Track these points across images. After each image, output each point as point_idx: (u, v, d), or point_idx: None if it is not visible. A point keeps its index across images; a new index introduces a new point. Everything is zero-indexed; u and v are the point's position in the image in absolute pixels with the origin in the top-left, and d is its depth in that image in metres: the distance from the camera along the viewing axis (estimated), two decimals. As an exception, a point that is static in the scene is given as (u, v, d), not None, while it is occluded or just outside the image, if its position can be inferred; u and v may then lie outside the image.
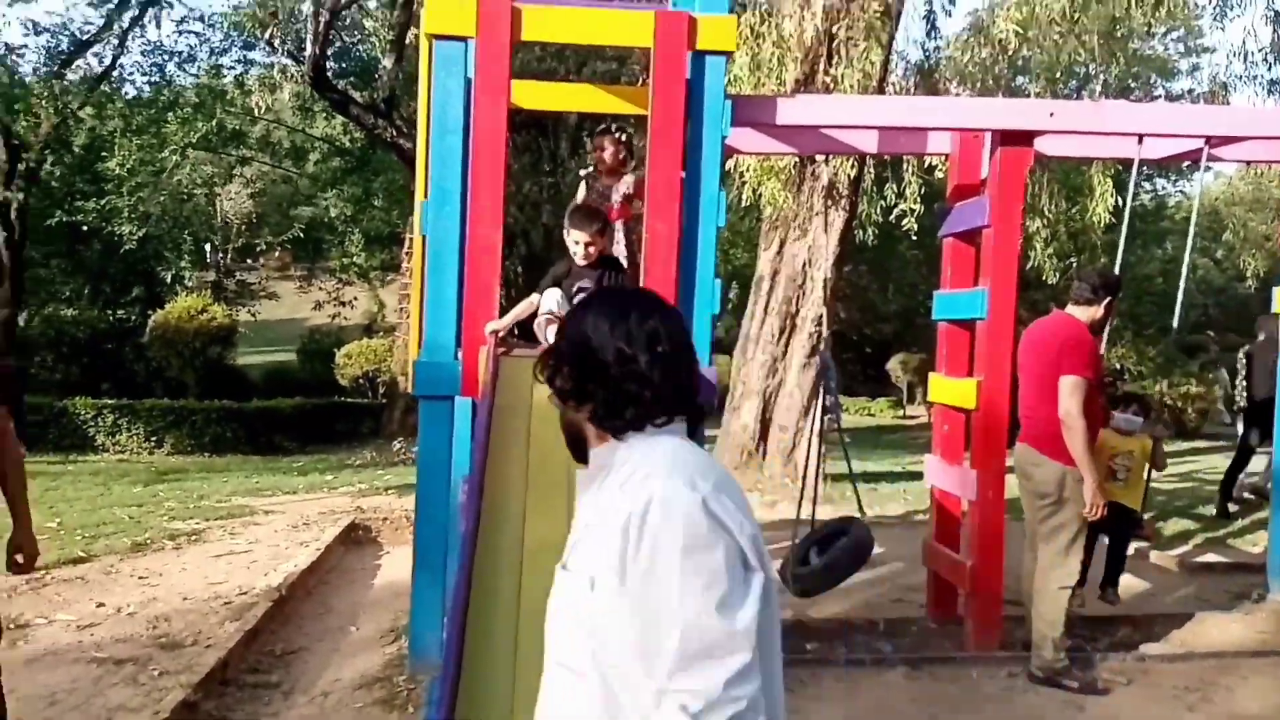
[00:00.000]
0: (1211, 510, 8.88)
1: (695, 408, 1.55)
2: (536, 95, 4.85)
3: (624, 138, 4.80)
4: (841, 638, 5.11)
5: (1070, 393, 4.37)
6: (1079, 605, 4.81)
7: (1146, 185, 25.92)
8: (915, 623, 5.35)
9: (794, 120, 4.67)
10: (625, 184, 4.71)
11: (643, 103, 4.54)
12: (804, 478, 5.11)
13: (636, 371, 1.48)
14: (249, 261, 27.33)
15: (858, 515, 4.86)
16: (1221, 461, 13.02)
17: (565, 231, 3.99)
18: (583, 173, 4.72)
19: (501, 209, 3.97)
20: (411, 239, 15.44)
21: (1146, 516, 5.46)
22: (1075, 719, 4.15)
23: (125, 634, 4.79)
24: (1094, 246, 14.00)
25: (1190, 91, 25.50)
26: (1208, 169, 5.16)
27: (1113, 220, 10.63)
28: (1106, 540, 5.11)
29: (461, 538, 2.86)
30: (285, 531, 6.84)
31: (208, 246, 24.17)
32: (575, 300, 3.98)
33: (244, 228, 23.33)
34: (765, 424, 9.85)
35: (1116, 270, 5.10)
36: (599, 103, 4.81)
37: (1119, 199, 10.31)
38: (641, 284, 4.13)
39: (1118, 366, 18.18)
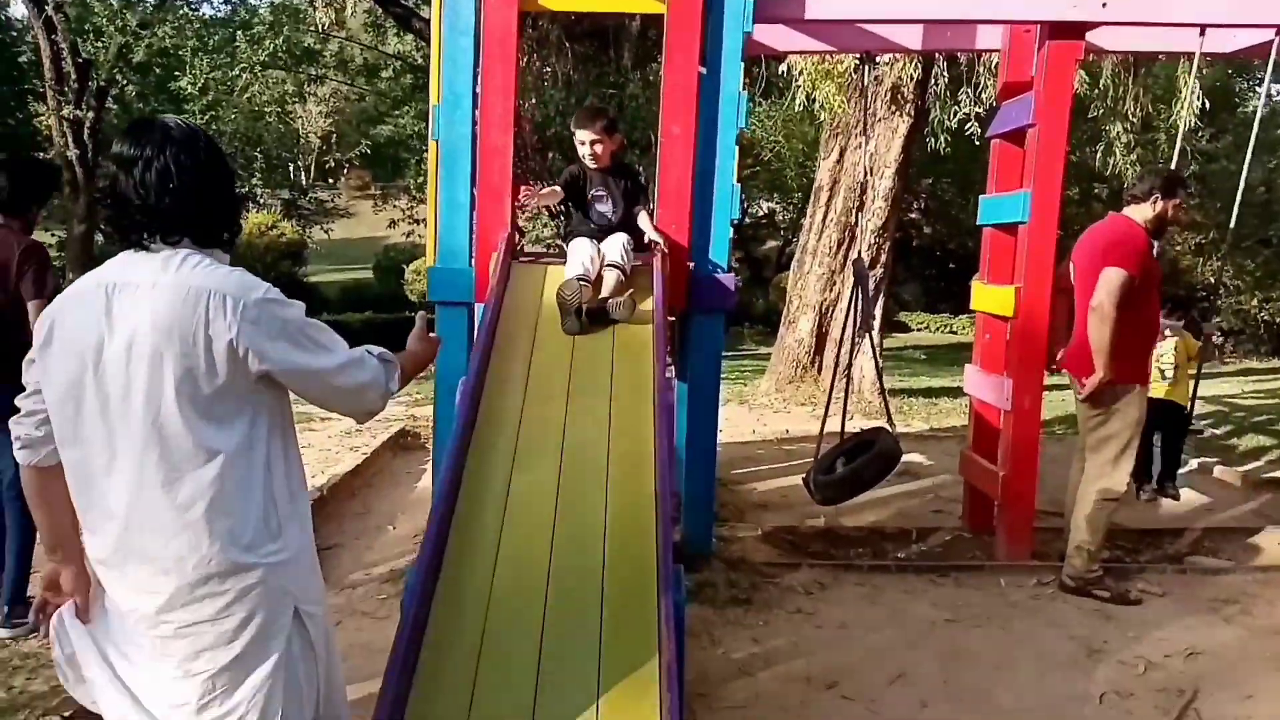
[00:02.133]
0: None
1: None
2: (558, -3, 4.71)
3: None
4: (871, 544, 5.10)
5: (1108, 284, 4.17)
6: (1146, 498, 5.01)
7: (1260, 90, 24.25)
8: (950, 532, 5.29)
9: (823, 15, 4.45)
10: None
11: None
12: (830, 387, 5.03)
13: None
14: (329, 181, 27.77)
15: (886, 427, 4.78)
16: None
17: (573, 134, 3.93)
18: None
19: (512, 112, 3.92)
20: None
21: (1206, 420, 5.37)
22: (1101, 627, 4.08)
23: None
24: (1184, 153, 13.24)
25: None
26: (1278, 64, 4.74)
27: (1199, 124, 9.99)
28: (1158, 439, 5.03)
29: (452, 435, 2.90)
30: (338, 437, 7.07)
31: (290, 166, 24.59)
32: (595, 206, 3.93)
33: (324, 147, 23.62)
34: (821, 338, 9.72)
35: (1242, 177, 4.83)
36: (619, 2, 4.67)
37: (1205, 102, 9.67)
38: (656, 191, 4.07)
39: (1212, 280, 17.32)
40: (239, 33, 18.05)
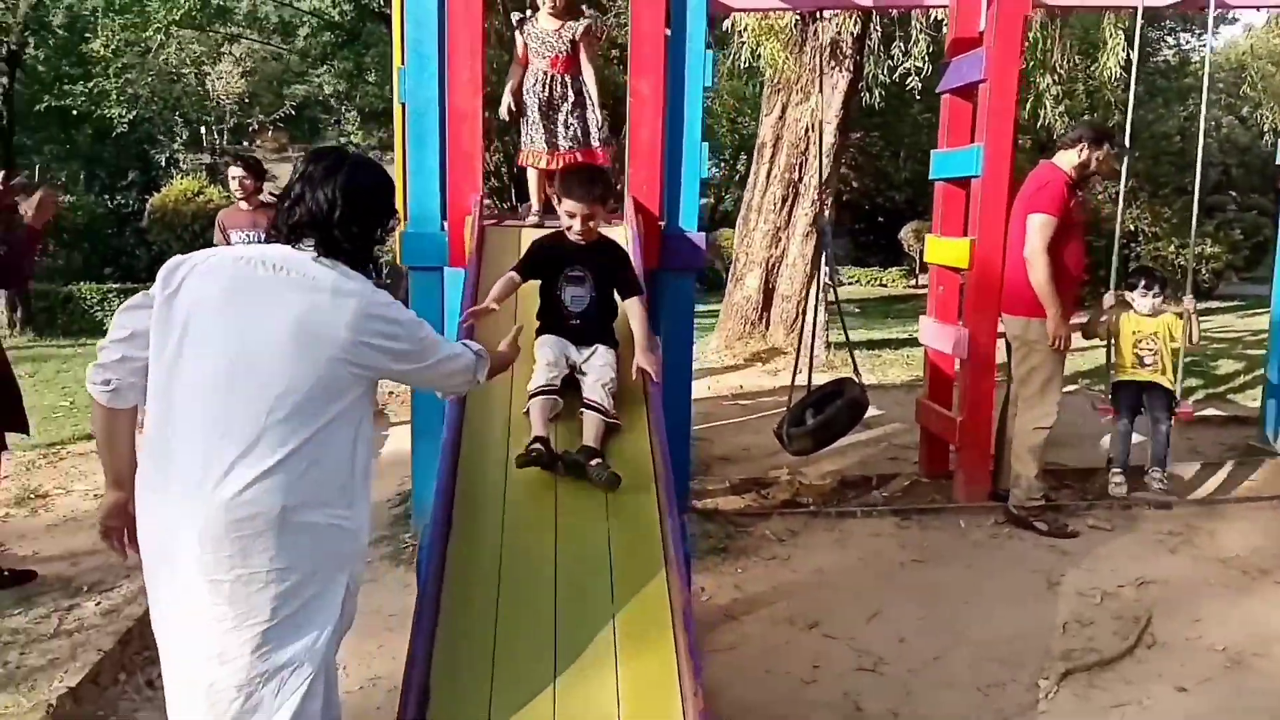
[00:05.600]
0: (1216, 366, 8.92)
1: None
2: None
3: None
4: (835, 492, 5.26)
5: (1035, 231, 4.44)
6: (1118, 487, 4.91)
7: (1170, 40, 24.97)
8: (908, 478, 5.48)
9: (783, -29, 4.51)
10: (572, 29, 4.04)
11: (625, -43, 4.38)
12: (799, 343, 5.14)
13: None
14: (244, 143, 26.91)
15: (852, 377, 4.91)
16: (1237, 321, 12.99)
17: (555, 200, 3.23)
18: (516, 18, 4.01)
19: (480, 75, 3.90)
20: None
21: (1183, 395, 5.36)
22: (1058, 562, 4.29)
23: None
24: (1108, 104, 13.61)
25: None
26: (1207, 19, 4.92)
27: (1125, 75, 10.28)
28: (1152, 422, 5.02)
29: (448, 420, 2.92)
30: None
31: (202, 129, 23.74)
32: (567, 288, 3.21)
33: (237, 108, 22.81)
34: (769, 294, 9.85)
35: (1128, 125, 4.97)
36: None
37: (1130, 52, 9.94)
38: (627, 147, 4.08)
39: (1132, 228, 17.94)
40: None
